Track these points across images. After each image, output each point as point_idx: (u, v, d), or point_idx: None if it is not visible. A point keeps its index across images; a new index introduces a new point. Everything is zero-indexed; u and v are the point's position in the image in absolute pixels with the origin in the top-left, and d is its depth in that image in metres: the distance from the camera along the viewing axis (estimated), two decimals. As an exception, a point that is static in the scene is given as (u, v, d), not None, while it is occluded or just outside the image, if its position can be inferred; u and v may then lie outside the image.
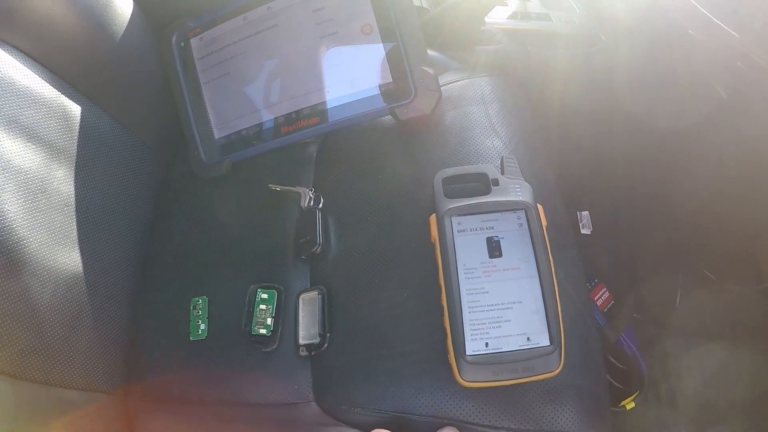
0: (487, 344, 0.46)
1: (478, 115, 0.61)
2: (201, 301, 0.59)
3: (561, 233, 0.56)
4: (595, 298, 0.75)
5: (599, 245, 0.81)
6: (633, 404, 0.75)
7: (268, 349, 0.55)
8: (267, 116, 0.63)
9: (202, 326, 0.59)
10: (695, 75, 0.65)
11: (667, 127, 0.68)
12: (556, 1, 0.81)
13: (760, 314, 0.72)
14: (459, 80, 0.65)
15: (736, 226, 0.73)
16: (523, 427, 0.47)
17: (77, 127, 0.60)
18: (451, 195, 0.52)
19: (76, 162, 0.59)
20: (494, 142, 0.58)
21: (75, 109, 0.60)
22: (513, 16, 0.76)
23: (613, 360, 0.77)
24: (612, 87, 0.73)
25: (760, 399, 0.69)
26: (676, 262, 0.80)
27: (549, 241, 0.50)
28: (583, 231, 0.78)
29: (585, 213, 0.79)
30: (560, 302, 0.48)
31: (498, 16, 0.75)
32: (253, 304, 0.56)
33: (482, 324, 0.47)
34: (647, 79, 0.71)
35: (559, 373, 0.45)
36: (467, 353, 0.45)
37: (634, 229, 0.82)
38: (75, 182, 0.58)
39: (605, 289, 0.76)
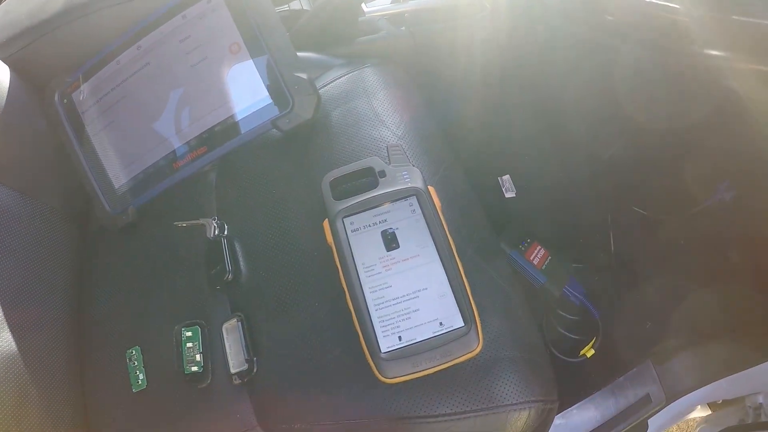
0: (400, 338, 0.46)
1: (362, 108, 0.60)
2: (135, 352, 0.59)
3: (465, 208, 0.56)
4: (531, 258, 0.75)
5: (526, 205, 0.81)
6: (593, 351, 0.75)
7: (203, 385, 0.55)
8: (157, 156, 0.62)
9: (141, 376, 0.58)
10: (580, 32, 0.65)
11: (565, 80, 0.68)
12: (434, -25, 0.80)
13: (690, 236, 0.73)
14: (341, 77, 0.64)
15: (659, 159, 0.74)
16: (461, 409, 0.47)
17: (-21, 208, 0.59)
18: (341, 196, 0.51)
19: (-17, 243, 0.58)
20: (382, 133, 0.58)
21: (-27, 190, 0.59)
22: (394, 0, 0.75)
23: (563, 313, 0.77)
24: (503, 51, 0.73)
25: (703, 313, 0.70)
26: (605, 206, 0.80)
27: (450, 219, 0.50)
28: (508, 195, 0.78)
29: (506, 177, 0.79)
30: (473, 279, 0.48)
31: (377, 3, 0.74)
32: (180, 343, 0.56)
33: (391, 319, 0.46)
34: (532, 38, 0.71)
35: (483, 349, 0.46)
36: (382, 351, 0.45)
37: (558, 181, 0.83)
38: (-11, 263, 0.58)
39: (540, 246, 0.77)
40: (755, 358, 0.61)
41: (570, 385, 0.64)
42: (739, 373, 0.64)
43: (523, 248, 0.76)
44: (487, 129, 0.79)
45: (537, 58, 0.73)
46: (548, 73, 0.73)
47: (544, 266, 0.76)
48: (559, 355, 0.75)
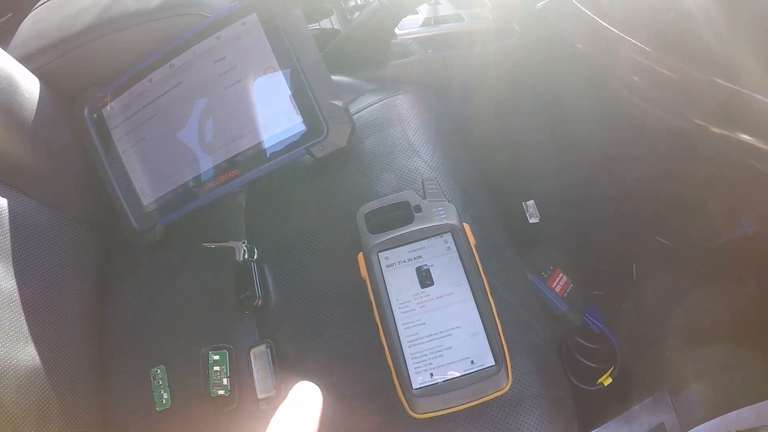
0: (432, 375, 0.46)
1: (396, 136, 0.60)
2: (159, 371, 0.59)
3: (496, 243, 0.56)
4: (553, 286, 0.75)
5: (550, 231, 0.81)
6: (610, 380, 0.76)
7: (229, 409, 0.55)
8: (188, 176, 0.62)
9: (165, 396, 0.58)
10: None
11: (591, 107, 0.68)
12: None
13: (713, 267, 0.73)
14: (374, 103, 0.64)
15: (682, 188, 0.73)
16: None
17: (6, 220, 0.59)
18: (375, 229, 0.51)
19: (12, 255, 0.58)
20: (416, 163, 0.58)
21: (1, 203, 0.59)
22: (426, 22, 0.75)
23: (582, 341, 0.77)
24: (532, 76, 0.73)
25: (722, 343, 0.70)
26: (628, 235, 0.80)
27: (482, 256, 0.50)
28: (531, 220, 0.78)
29: (530, 202, 0.79)
30: (502, 315, 0.48)
31: (409, 26, 0.74)
32: (207, 366, 0.56)
33: (424, 356, 0.47)
34: (563, 65, 0.70)
35: (512, 386, 0.46)
36: (414, 387, 0.45)
37: (583, 208, 0.82)
38: (16, 276, 0.57)
39: (562, 274, 0.77)
40: (773, 389, 0.61)
41: (586, 413, 0.64)
42: (756, 404, 0.64)
43: (545, 275, 0.76)
44: (513, 152, 0.79)
45: (564, 83, 0.73)
46: (574, 98, 0.73)
47: (565, 294, 0.76)
48: (576, 383, 0.75)
